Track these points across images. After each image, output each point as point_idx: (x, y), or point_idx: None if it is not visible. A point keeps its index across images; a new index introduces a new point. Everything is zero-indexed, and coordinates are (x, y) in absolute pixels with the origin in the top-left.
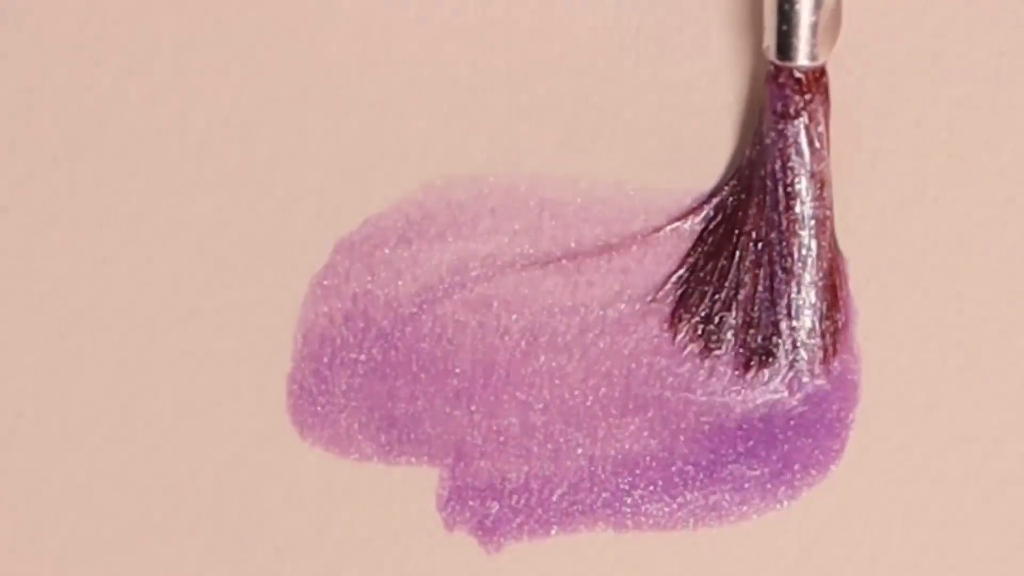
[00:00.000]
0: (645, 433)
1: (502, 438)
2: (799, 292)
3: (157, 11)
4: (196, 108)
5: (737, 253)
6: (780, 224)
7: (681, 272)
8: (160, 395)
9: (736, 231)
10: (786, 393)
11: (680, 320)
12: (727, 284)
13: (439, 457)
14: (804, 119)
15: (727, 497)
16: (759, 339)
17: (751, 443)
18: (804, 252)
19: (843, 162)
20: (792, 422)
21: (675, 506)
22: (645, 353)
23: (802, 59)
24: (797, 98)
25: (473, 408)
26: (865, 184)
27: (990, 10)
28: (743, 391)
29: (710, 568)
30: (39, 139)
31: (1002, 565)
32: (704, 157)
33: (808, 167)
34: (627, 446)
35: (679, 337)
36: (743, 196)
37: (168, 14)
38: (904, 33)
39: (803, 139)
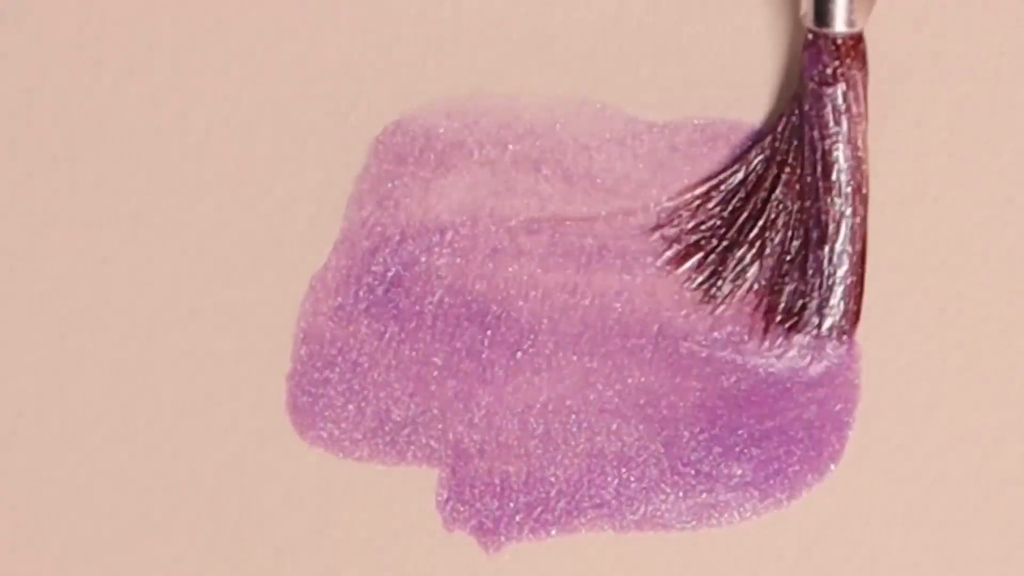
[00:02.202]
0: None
1: (502, 438)
2: (831, 260)
3: (157, 11)
4: (196, 108)
5: (765, 216)
6: (816, 190)
7: (703, 230)
8: (160, 395)
9: (767, 195)
10: (807, 360)
11: (700, 277)
12: (749, 244)
13: (439, 457)
14: (842, 85)
15: (727, 497)
16: (784, 302)
17: (751, 439)
18: (839, 219)
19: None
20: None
21: (675, 506)
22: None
23: (839, 25)
24: (835, 64)
25: (472, 408)
26: (865, 184)
27: (990, 10)
28: (762, 354)
29: (710, 568)
30: (39, 139)
31: (1002, 565)
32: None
33: (845, 134)
34: (628, 442)
35: (694, 292)
36: (778, 161)
37: (168, 14)
38: (904, 33)
39: (841, 105)
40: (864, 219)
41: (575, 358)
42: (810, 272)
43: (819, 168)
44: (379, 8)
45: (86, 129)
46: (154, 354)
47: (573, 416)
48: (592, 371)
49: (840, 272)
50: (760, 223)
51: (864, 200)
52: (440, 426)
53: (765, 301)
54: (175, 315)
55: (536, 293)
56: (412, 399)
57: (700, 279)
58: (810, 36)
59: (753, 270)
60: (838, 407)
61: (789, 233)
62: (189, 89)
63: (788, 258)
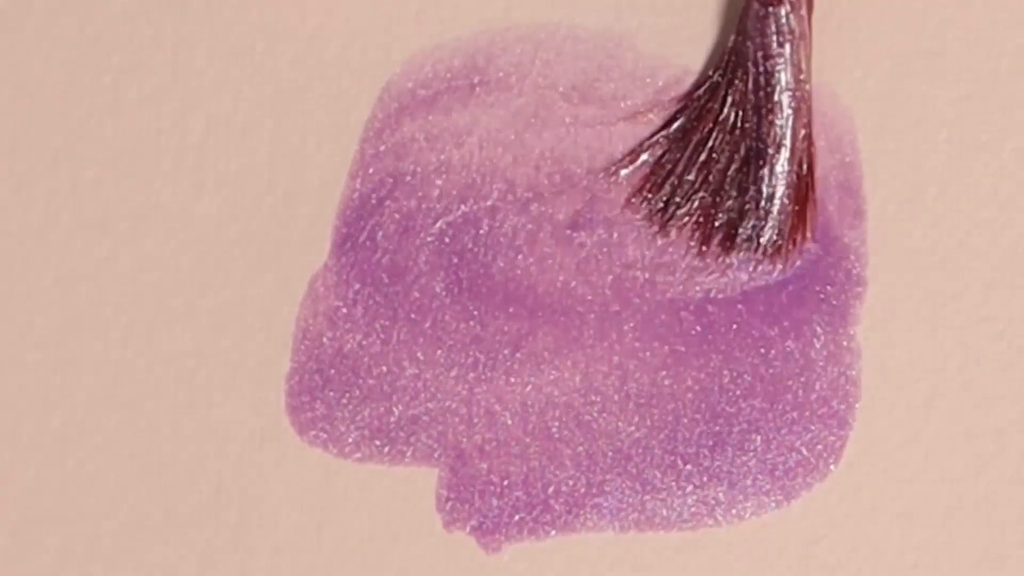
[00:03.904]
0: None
1: (502, 438)
2: (769, 179)
3: (157, 11)
4: (196, 108)
5: (712, 136)
6: (758, 111)
7: (648, 153)
8: (160, 395)
9: (713, 115)
10: (745, 278)
11: (642, 197)
12: (697, 165)
13: (439, 457)
14: (786, 6)
15: (727, 496)
16: (723, 219)
17: (751, 439)
18: (779, 139)
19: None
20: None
21: (675, 506)
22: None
23: None
24: None
25: (472, 408)
26: (865, 184)
27: (990, 10)
28: (705, 273)
29: (710, 568)
30: (39, 139)
31: (1002, 565)
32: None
33: (788, 56)
34: (628, 441)
35: (638, 214)
36: (723, 80)
37: (168, 14)
38: (904, 33)
39: (784, 26)
40: (807, 140)
41: (575, 355)
42: (749, 191)
43: (762, 90)
44: (379, 9)
45: (86, 129)
46: (154, 354)
47: (573, 416)
48: (592, 369)
49: (779, 192)
50: (708, 146)
51: (806, 122)
52: (440, 426)
53: (704, 219)
54: (175, 314)
55: (534, 291)
56: (412, 399)
57: (656, 206)
58: None
59: (700, 192)
60: (838, 406)
61: (732, 154)
62: (189, 89)
63: (729, 177)
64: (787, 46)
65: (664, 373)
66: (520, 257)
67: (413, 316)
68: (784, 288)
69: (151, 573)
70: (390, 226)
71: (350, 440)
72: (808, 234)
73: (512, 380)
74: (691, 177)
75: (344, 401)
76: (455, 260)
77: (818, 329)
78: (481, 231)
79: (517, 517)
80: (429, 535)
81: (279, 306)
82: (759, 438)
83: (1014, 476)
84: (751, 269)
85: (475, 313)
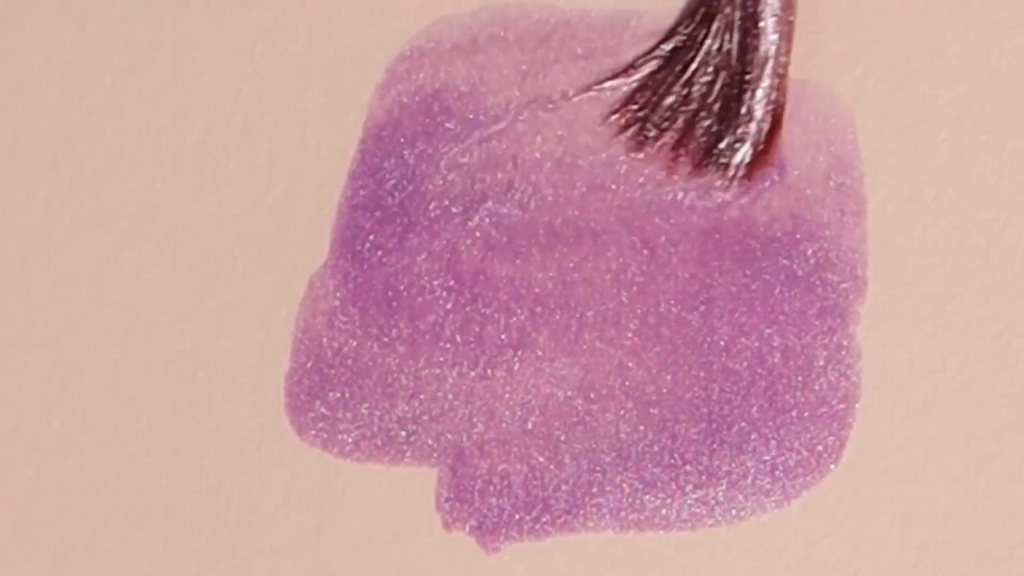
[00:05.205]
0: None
1: (502, 437)
2: (752, 102)
3: (157, 11)
4: (196, 108)
5: (696, 60)
6: (744, 34)
7: (639, 79)
8: (160, 395)
9: (698, 39)
10: (716, 199)
11: (620, 114)
12: (677, 87)
13: (439, 457)
14: None
15: (727, 496)
16: (699, 139)
17: (750, 438)
18: (763, 64)
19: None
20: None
21: (675, 505)
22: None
23: None
24: None
25: (472, 408)
26: (865, 184)
27: (990, 10)
28: (682, 192)
29: (710, 568)
30: (39, 139)
31: (1002, 565)
32: None
33: None
34: (628, 441)
35: (620, 132)
36: (711, 6)
37: (168, 14)
38: (904, 33)
39: None
40: (786, 67)
41: (575, 355)
42: (729, 113)
43: (749, 15)
44: (379, 10)
45: (86, 129)
46: (153, 353)
47: (573, 415)
48: (592, 368)
49: (757, 115)
50: (691, 69)
51: (788, 49)
52: (440, 426)
53: (681, 139)
54: (175, 314)
55: (534, 290)
56: (412, 399)
57: (632, 123)
58: None
59: (679, 113)
60: (838, 406)
61: (714, 77)
62: (189, 89)
63: (709, 100)
64: None
65: (664, 373)
66: (520, 256)
67: (413, 316)
68: (784, 288)
69: (151, 573)
70: (390, 225)
71: (350, 440)
72: (774, 160)
73: (512, 380)
74: (671, 100)
75: (344, 401)
76: (455, 259)
77: (818, 329)
78: (481, 230)
79: (517, 517)
80: (429, 535)
81: (279, 306)
82: (759, 438)
83: (1014, 476)
84: (719, 191)
85: (475, 313)
